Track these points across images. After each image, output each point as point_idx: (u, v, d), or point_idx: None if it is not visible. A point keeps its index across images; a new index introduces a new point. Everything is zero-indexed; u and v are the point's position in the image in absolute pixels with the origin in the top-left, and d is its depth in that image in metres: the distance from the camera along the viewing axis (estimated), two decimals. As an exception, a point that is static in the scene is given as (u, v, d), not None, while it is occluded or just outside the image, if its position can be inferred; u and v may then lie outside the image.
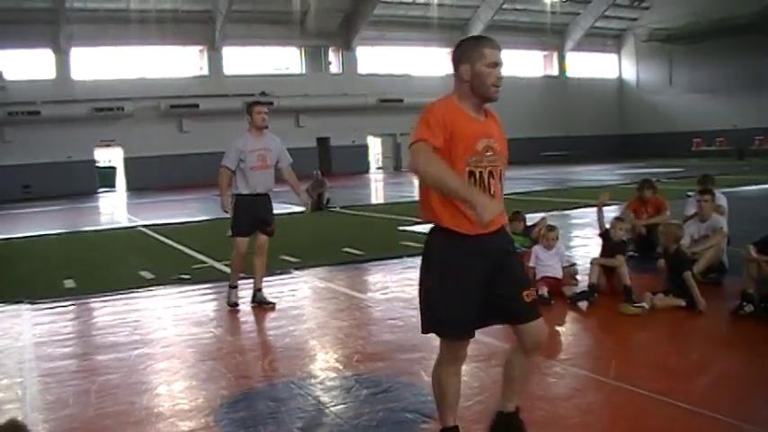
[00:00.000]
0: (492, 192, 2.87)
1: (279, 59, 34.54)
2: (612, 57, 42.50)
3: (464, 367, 3.22)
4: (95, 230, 14.56)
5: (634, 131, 40.06)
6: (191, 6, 30.39)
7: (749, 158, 29.59)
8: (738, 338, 4.93)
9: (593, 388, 4.06)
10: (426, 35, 35.45)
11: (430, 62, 36.96)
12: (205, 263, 9.09)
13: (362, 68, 35.62)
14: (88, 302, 7.14)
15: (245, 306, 6.51)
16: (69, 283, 8.04)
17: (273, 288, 7.04)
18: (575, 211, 13.08)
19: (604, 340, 5.28)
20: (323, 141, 33.93)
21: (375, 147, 37.42)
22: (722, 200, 7.68)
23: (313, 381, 4.37)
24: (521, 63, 38.40)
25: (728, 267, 6.52)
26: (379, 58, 36.19)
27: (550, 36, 38.49)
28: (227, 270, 6.96)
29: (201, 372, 4.66)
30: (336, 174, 30.10)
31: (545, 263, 6.36)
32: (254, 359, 5.03)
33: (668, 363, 4.40)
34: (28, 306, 6.95)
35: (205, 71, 32.39)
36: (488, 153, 2.86)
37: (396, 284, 7.34)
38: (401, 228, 11.53)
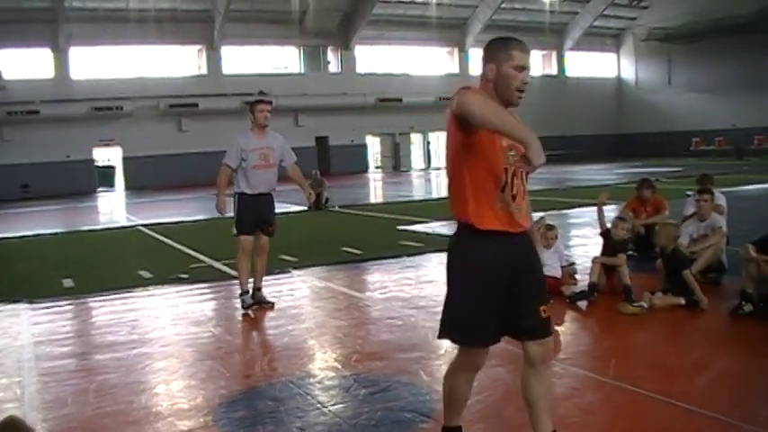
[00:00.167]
0: (514, 192, 2.79)
1: (277, 59, 34.53)
2: (611, 56, 42.51)
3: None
4: (94, 230, 14.55)
5: (633, 131, 40.04)
6: (189, 6, 30.38)
7: (748, 158, 29.59)
8: (737, 338, 4.93)
9: (592, 387, 4.06)
10: (425, 35, 35.48)
11: (429, 62, 37.00)
12: (203, 262, 9.08)
13: (361, 68, 35.62)
14: (87, 302, 7.13)
15: (244, 306, 6.51)
16: (68, 283, 8.03)
17: (272, 287, 7.02)
18: (573, 210, 13.08)
19: (603, 340, 5.28)
20: (322, 141, 33.92)
21: (374, 146, 37.38)
22: (721, 199, 7.68)
23: (312, 380, 4.37)
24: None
25: (727, 267, 6.53)
26: (378, 58, 36.18)
27: (549, 35, 38.44)
28: (226, 269, 6.94)
29: (200, 371, 4.66)
30: (335, 173, 30.09)
31: (544, 262, 6.26)
32: (252, 358, 5.02)
33: (667, 362, 4.40)
34: (26, 305, 6.94)
35: (204, 70, 32.40)
36: (511, 152, 2.77)
37: (394, 284, 7.33)
38: (400, 227, 11.46)
